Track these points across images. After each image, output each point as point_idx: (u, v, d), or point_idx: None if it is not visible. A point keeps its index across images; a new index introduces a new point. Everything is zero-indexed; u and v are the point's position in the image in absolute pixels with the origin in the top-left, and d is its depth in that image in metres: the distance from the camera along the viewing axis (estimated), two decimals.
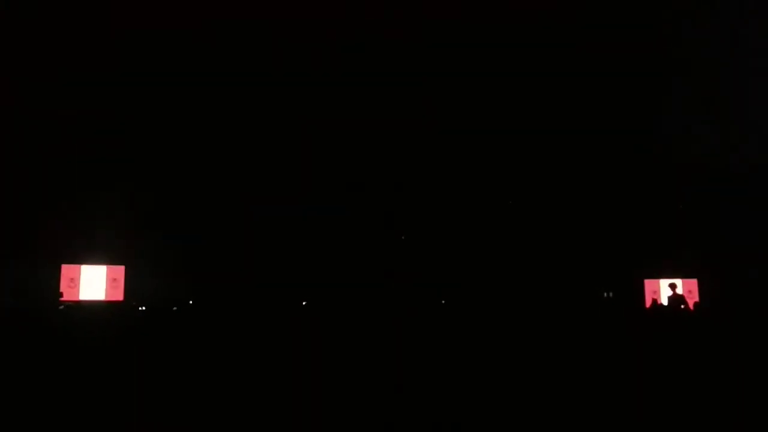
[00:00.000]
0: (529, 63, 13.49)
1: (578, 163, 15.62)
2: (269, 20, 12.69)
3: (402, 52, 13.24)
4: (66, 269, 14.22)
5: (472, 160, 15.44)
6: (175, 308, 11.05)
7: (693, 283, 15.80)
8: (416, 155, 15.17)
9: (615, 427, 4.92)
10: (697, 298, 15.13)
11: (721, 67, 13.58)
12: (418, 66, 13.64)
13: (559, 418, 5.01)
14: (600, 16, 12.98)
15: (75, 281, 14.17)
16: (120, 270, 14.59)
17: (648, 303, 14.35)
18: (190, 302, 12.33)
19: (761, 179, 14.95)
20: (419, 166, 15.33)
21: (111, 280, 14.42)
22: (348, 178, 15.34)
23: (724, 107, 13.95)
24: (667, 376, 5.85)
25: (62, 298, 12.62)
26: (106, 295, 14.28)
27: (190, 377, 5.80)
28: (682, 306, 10.75)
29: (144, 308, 11.31)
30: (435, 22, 12.81)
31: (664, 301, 13.39)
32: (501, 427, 4.93)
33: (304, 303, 12.42)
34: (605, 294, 15.55)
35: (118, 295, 14.31)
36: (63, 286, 13.80)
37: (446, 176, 15.56)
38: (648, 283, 15.98)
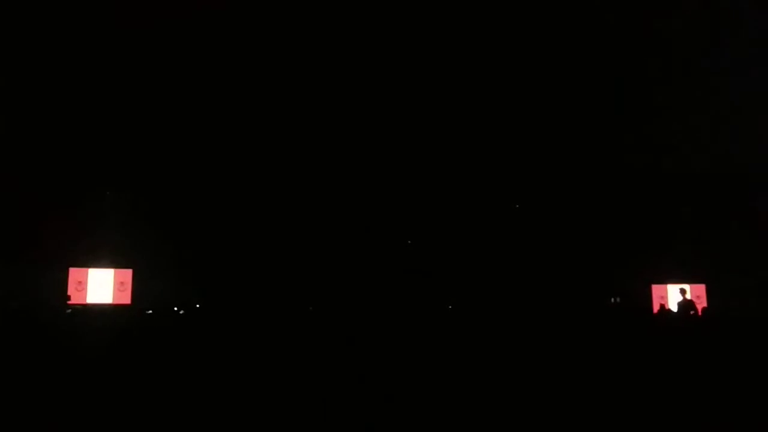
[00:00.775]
0: (536, 65, 13.47)
1: (585, 168, 15.58)
2: (269, 18, 12.66)
3: (410, 51, 13.20)
4: (73, 272, 14.26)
5: (479, 164, 15.42)
6: (182, 311, 11.06)
7: (701, 288, 15.72)
8: (423, 159, 15.16)
9: None
10: (705, 303, 15.04)
11: (721, 69, 13.50)
12: (423, 67, 13.62)
13: (567, 424, 4.98)
14: (604, 17, 12.94)
15: (82, 284, 14.21)
16: (128, 273, 14.62)
17: (656, 308, 14.28)
18: (197, 306, 12.33)
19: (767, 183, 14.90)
20: (426, 170, 15.32)
21: (119, 284, 14.45)
22: (353, 182, 15.34)
23: (727, 110, 13.87)
24: (677, 382, 5.81)
25: (69, 302, 12.64)
26: (114, 299, 14.30)
27: (198, 381, 5.80)
28: (692, 312, 10.70)
29: (151, 312, 11.33)
30: (438, 20, 12.76)
31: (672, 306, 13.32)
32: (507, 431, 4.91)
33: (310, 308, 12.40)
34: (612, 299, 15.48)
35: (126, 299, 14.33)
36: (70, 290, 13.84)
37: (453, 180, 15.54)
38: (655, 288, 15.91)
